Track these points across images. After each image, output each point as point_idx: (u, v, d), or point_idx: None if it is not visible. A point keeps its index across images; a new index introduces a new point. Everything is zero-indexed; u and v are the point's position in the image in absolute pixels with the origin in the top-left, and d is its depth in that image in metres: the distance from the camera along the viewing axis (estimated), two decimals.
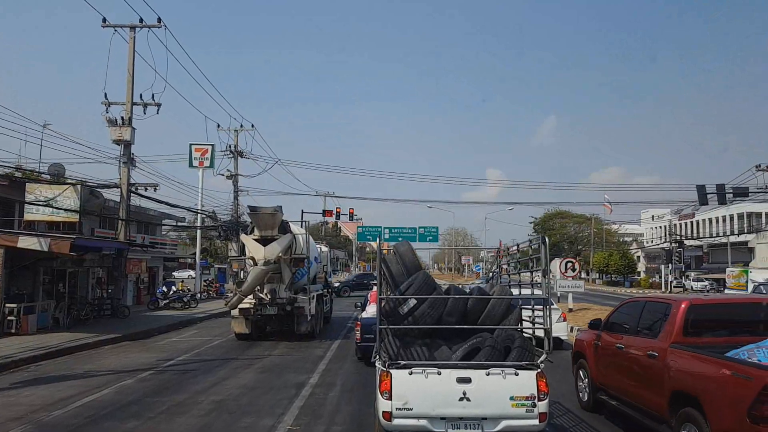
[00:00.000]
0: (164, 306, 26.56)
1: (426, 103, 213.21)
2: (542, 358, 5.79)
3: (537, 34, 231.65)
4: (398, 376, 5.62)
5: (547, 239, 5.93)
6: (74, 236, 17.12)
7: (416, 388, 5.58)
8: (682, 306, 6.43)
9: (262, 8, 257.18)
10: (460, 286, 7.46)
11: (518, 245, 7.44)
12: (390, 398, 5.56)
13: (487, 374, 5.58)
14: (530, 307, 6.77)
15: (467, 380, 5.57)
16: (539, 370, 5.65)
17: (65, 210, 19.18)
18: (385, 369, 5.68)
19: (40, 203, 18.47)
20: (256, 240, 16.06)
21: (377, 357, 6.06)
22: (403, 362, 5.79)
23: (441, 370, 5.62)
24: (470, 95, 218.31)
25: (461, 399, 5.52)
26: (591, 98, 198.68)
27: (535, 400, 5.52)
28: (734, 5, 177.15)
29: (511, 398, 5.53)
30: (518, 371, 5.62)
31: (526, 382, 5.58)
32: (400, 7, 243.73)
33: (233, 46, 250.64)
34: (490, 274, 9.21)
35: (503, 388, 5.54)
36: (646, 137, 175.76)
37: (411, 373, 5.63)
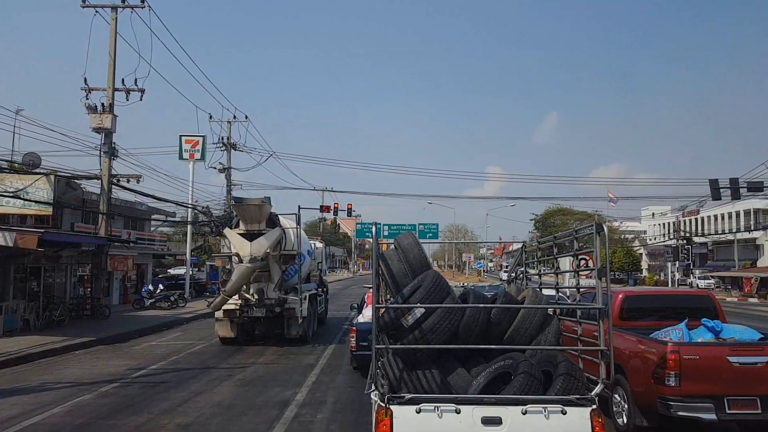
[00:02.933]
0: (150, 306, 25.04)
1: (426, 101, 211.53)
2: (597, 389, 4.28)
3: (537, 34, 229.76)
4: (402, 414, 4.12)
5: (605, 227, 4.40)
6: (42, 230, 15.58)
7: None
8: (620, 296, 8.10)
9: (261, 8, 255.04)
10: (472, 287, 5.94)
11: (555, 236, 5.90)
12: None
13: (524, 412, 4.08)
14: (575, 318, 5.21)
15: (496, 421, 4.07)
16: (594, 407, 4.15)
17: (37, 202, 17.62)
18: (383, 404, 4.17)
19: (9, 194, 16.92)
20: (241, 235, 14.54)
21: (372, 386, 4.54)
22: (408, 395, 4.27)
23: (460, 407, 4.12)
24: (470, 94, 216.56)
25: None
26: (591, 97, 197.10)
27: None
28: (734, 5, 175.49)
29: None
30: (566, 408, 4.11)
31: (576, 422, 4.07)
32: (400, 7, 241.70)
33: (233, 44, 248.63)
34: (513, 274, 7.70)
35: None
36: (647, 136, 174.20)
37: (419, 411, 4.13)
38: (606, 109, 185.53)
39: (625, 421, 6.91)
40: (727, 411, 6.12)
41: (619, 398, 7.12)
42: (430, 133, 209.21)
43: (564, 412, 4.08)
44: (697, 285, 52.74)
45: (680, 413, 6.11)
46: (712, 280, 55.28)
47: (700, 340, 6.69)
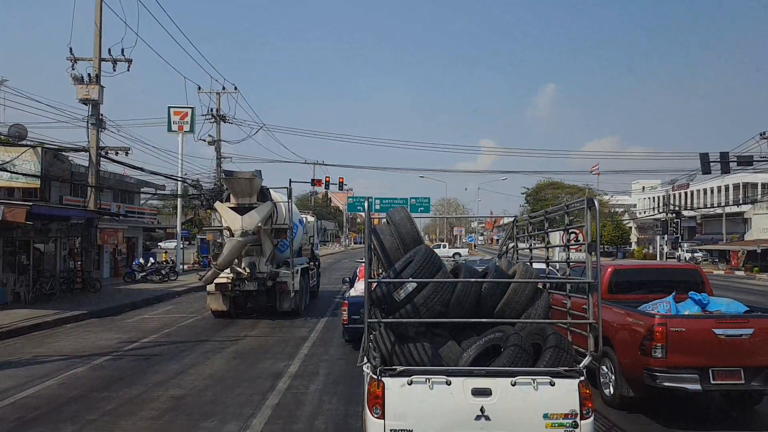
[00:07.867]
0: (141, 279, 25.01)
1: (420, 73, 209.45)
2: (585, 361, 4.36)
3: (534, 6, 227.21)
4: (393, 386, 4.18)
5: (596, 202, 4.42)
6: (30, 203, 15.43)
7: (418, 404, 4.16)
8: (609, 269, 8.25)
9: None
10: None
11: (546, 211, 5.93)
12: (382, 417, 4.14)
13: (513, 384, 4.15)
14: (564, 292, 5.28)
15: (486, 392, 4.14)
16: (582, 378, 4.23)
17: (24, 175, 17.41)
18: (375, 376, 4.23)
19: None
20: (232, 208, 14.47)
21: (364, 358, 4.60)
22: (399, 368, 4.33)
23: (451, 379, 4.19)
24: (464, 67, 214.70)
25: (478, 418, 4.11)
26: (587, 70, 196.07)
27: (577, 419, 4.12)
28: None
29: (545, 416, 4.12)
30: (554, 379, 4.19)
31: (564, 394, 4.16)
32: None
33: (223, 23, 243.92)
34: (504, 248, 7.77)
35: (534, 403, 4.13)
36: (639, 109, 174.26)
37: (410, 383, 4.19)
38: (601, 83, 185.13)
39: (612, 391, 7.07)
40: (712, 382, 6.26)
41: (606, 370, 7.26)
42: (423, 106, 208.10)
43: (552, 384, 4.17)
44: (685, 258, 53.37)
45: (666, 384, 6.25)
46: (700, 254, 55.91)
47: (686, 313, 6.81)
